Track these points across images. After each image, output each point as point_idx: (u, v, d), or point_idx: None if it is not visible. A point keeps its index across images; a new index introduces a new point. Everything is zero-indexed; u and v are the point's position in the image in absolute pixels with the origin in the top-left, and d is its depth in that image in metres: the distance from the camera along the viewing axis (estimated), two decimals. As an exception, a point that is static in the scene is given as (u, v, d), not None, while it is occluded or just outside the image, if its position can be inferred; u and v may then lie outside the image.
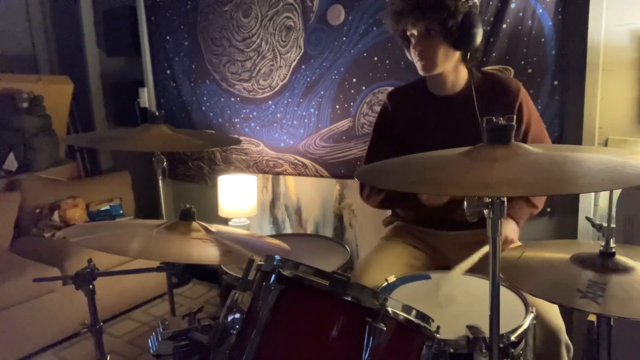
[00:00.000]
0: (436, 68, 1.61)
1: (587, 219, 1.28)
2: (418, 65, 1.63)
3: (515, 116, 1.05)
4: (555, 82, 2.03)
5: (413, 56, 1.64)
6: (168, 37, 3.24)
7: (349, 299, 0.96)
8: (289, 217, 2.88)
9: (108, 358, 1.50)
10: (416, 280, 1.47)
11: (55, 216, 2.98)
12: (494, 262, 0.99)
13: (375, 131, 1.86)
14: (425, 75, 1.65)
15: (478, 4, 1.58)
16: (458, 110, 1.67)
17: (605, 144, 1.95)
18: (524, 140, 1.63)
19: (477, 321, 1.10)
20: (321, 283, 0.97)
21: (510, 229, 1.62)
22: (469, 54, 1.62)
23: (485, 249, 1.52)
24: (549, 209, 2.12)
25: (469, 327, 1.09)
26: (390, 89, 2.22)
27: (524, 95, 1.67)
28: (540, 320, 1.34)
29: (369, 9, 2.43)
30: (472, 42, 1.57)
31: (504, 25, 2.07)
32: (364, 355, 0.93)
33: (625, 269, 1.06)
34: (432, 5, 1.53)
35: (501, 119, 1.01)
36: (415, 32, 1.59)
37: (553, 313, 1.40)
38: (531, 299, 1.26)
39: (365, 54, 2.49)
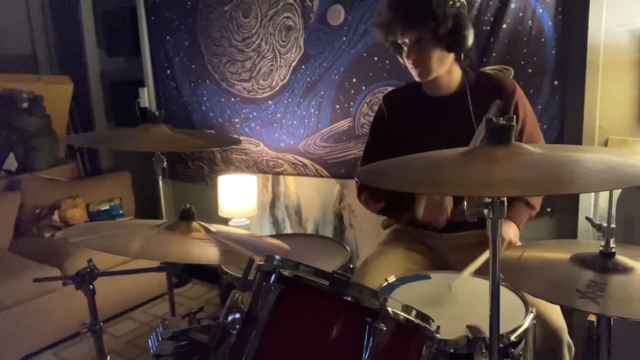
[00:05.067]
0: (432, 73, 1.61)
1: (587, 219, 1.28)
2: (413, 72, 1.63)
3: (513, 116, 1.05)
4: (555, 82, 2.03)
5: (407, 64, 1.64)
6: (168, 37, 3.24)
7: (349, 299, 0.96)
8: (289, 217, 2.88)
9: (108, 358, 1.49)
10: (416, 280, 1.47)
11: (55, 216, 2.98)
12: (494, 262, 0.99)
13: (371, 133, 1.86)
14: (423, 81, 1.65)
15: (466, 3, 1.58)
16: (453, 110, 1.67)
17: (605, 144, 1.95)
18: (519, 140, 1.63)
19: (477, 321, 1.10)
20: (321, 283, 0.97)
21: (511, 232, 1.62)
22: (461, 55, 1.62)
23: (486, 254, 1.52)
24: (549, 209, 2.12)
25: (469, 327, 1.09)
26: (390, 89, 2.22)
27: (520, 95, 1.67)
28: (541, 320, 1.34)
29: (369, 9, 2.43)
30: (464, 43, 1.57)
31: (504, 25, 2.07)
32: (364, 355, 0.93)
33: (625, 269, 1.06)
34: (420, 15, 1.52)
35: (501, 119, 1.01)
36: (406, 40, 1.59)
37: (555, 313, 1.40)
38: (533, 298, 1.26)
39: (365, 54, 2.49)
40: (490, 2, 2.08)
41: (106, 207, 3.20)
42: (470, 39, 1.58)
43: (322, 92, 2.68)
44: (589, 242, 1.38)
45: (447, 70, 1.64)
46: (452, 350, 1.10)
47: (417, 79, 1.64)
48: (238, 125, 3.05)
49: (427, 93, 1.72)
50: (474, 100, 1.63)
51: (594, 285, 1.01)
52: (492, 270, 0.99)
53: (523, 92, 1.69)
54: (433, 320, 1.05)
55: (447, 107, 1.68)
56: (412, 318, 1.00)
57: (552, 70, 2.03)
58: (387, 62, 2.43)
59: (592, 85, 1.94)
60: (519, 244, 1.64)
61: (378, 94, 2.49)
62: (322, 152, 2.75)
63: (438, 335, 1.05)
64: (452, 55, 1.62)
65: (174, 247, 1.32)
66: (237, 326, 1.04)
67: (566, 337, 1.39)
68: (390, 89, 2.24)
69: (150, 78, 3.38)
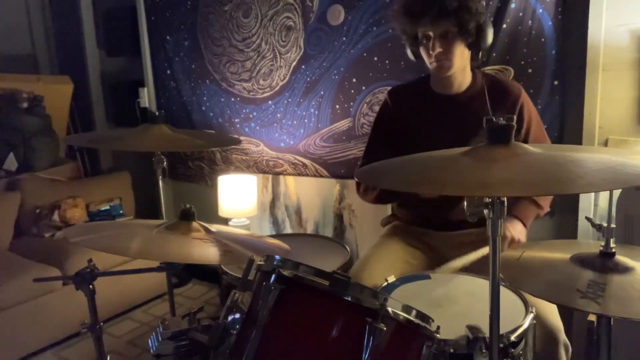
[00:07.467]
0: (452, 69, 1.61)
1: (587, 219, 1.28)
2: (434, 65, 1.62)
3: (516, 117, 1.05)
4: (555, 82, 2.03)
5: (426, 57, 1.64)
6: (168, 37, 3.24)
7: (349, 299, 0.96)
8: (289, 217, 2.88)
9: (108, 358, 1.49)
10: (416, 280, 1.47)
11: (55, 216, 2.98)
12: (494, 262, 0.99)
13: (374, 128, 1.85)
14: (442, 76, 1.64)
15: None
16: (462, 110, 1.67)
17: (605, 144, 1.95)
18: (525, 142, 1.63)
19: (477, 321, 1.10)
20: (321, 283, 0.97)
21: (517, 230, 1.61)
22: (479, 53, 1.63)
23: (485, 250, 1.52)
24: (548, 209, 2.12)
25: (469, 327, 1.09)
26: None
27: (525, 97, 1.68)
28: (539, 320, 1.34)
29: (369, 9, 2.43)
30: (485, 41, 1.60)
31: (504, 25, 2.07)
32: (364, 356, 0.93)
33: (625, 269, 1.06)
34: (457, 6, 1.53)
35: (501, 119, 1.01)
36: (431, 33, 1.58)
37: (551, 313, 1.40)
38: (530, 298, 1.26)
39: (365, 54, 2.49)
40: (490, 2, 2.08)
41: (106, 207, 3.20)
42: (490, 38, 1.60)
43: (322, 92, 2.68)
44: (589, 242, 1.38)
45: (462, 68, 1.65)
46: (452, 350, 1.10)
47: (436, 73, 1.64)
48: (238, 125, 3.05)
49: (436, 90, 1.72)
50: (483, 100, 1.63)
51: (594, 285, 1.01)
52: (492, 270, 0.99)
53: (528, 95, 1.70)
54: (433, 320, 1.05)
55: (456, 106, 1.68)
56: (412, 318, 1.01)
57: (552, 70, 2.03)
58: (387, 62, 2.43)
59: (592, 85, 1.94)
60: (524, 241, 1.63)
61: (378, 94, 2.49)
62: (322, 152, 2.75)
63: (438, 335, 1.05)
64: (469, 53, 1.63)
65: (174, 247, 1.33)
66: (237, 326, 1.04)
67: (563, 337, 1.39)
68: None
69: (150, 78, 3.38)
